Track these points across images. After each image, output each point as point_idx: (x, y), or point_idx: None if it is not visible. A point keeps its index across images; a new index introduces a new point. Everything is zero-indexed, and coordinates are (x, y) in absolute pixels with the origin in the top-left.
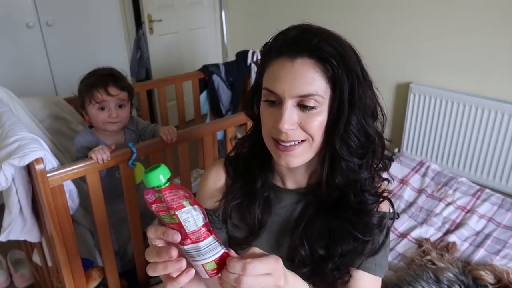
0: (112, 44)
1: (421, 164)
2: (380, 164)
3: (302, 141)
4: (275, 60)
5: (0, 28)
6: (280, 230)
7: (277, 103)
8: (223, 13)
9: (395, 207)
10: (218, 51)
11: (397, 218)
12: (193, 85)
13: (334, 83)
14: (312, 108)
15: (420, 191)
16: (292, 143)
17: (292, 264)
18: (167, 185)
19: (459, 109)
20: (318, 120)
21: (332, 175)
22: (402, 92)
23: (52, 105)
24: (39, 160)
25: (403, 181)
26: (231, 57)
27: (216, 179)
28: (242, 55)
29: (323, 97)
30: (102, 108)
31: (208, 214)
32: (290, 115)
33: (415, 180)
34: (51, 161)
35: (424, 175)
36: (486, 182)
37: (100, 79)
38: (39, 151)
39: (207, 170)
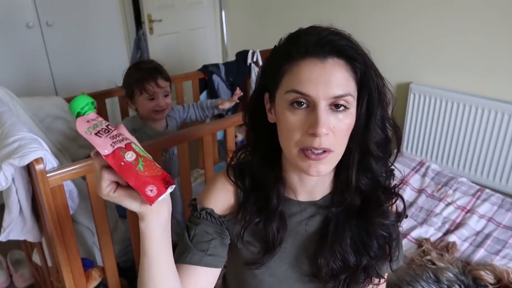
0: (112, 44)
1: (421, 164)
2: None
3: (328, 151)
4: (301, 61)
5: (0, 28)
6: (298, 246)
7: (306, 106)
8: (223, 13)
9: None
10: (218, 51)
11: (406, 217)
12: (193, 85)
13: (361, 83)
14: (344, 110)
15: (420, 191)
16: (321, 151)
17: (314, 279)
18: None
19: (459, 109)
20: (347, 123)
21: (357, 179)
22: (402, 92)
23: (52, 105)
24: (39, 160)
25: (403, 181)
26: (231, 57)
27: (224, 191)
28: (242, 55)
29: (353, 97)
30: (151, 99)
31: (213, 216)
32: (326, 118)
33: (415, 180)
34: (51, 161)
35: (424, 175)
36: (486, 182)
37: (149, 73)
38: (39, 151)
39: (213, 183)
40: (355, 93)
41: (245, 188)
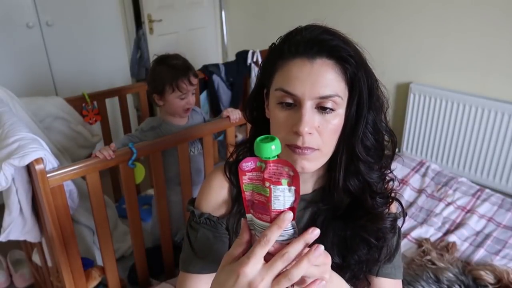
0: (112, 44)
1: (421, 164)
2: (386, 164)
3: (315, 149)
4: (291, 60)
5: (0, 28)
6: None
7: (293, 105)
8: (223, 13)
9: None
10: (218, 51)
11: (406, 215)
12: None
13: (352, 84)
14: (330, 110)
15: (420, 191)
16: (306, 150)
17: None
18: (275, 158)
19: (459, 109)
20: (334, 124)
21: (345, 180)
22: (402, 92)
23: (52, 105)
24: (39, 160)
25: (403, 181)
26: (231, 57)
27: (219, 188)
28: (242, 55)
29: (342, 98)
30: (182, 98)
31: (211, 220)
32: (310, 117)
33: (415, 180)
34: (51, 161)
35: (424, 175)
36: (486, 182)
37: (182, 70)
38: (39, 151)
39: (208, 180)
40: (344, 94)
41: (238, 181)
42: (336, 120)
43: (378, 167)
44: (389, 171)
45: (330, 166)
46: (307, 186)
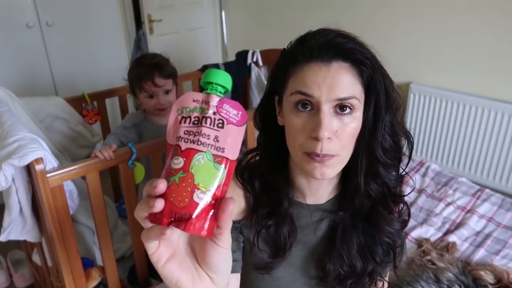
0: (112, 44)
1: (421, 164)
2: (405, 166)
3: (334, 155)
4: (306, 65)
5: (0, 28)
6: (306, 250)
7: (310, 109)
8: (223, 13)
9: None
10: (218, 51)
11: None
12: (193, 85)
13: (368, 86)
14: (348, 113)
15: (420, 191)
16: (325, 157)
17: (321, 283)
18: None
19: (459, 109)
20: (353, 127)
21: (365, 184)
22: (402, 92)
23: (52, 105)
24: (39, 160)
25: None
26: (231, 57)
27: (235, 197)
28: (242, 55)
29: (359, 100)
30: (151, 96)
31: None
32: (329, 121)
33: (415, 180)
34: (51, 161)
35: (424, 175)
36: (486, 182)
37: (147, 71)
38: (39, 151)
39: None
40: (361, 97)
41: (255, 191)
42: (354, 124)
43: (395, 169)
44: (404, 172)
45: (345, 172)
46: (322, 197)
